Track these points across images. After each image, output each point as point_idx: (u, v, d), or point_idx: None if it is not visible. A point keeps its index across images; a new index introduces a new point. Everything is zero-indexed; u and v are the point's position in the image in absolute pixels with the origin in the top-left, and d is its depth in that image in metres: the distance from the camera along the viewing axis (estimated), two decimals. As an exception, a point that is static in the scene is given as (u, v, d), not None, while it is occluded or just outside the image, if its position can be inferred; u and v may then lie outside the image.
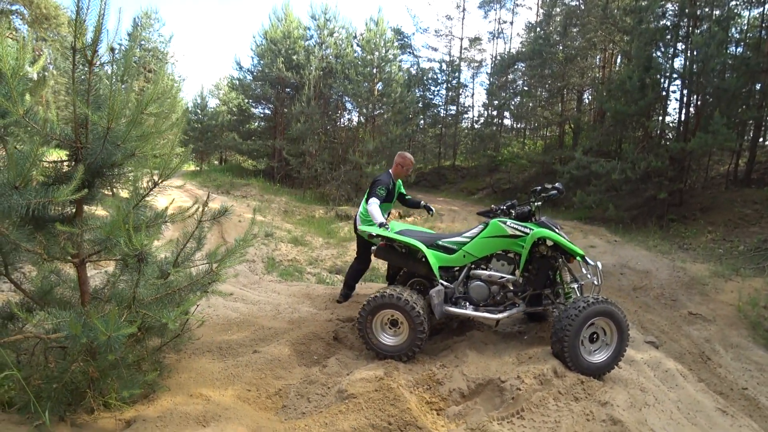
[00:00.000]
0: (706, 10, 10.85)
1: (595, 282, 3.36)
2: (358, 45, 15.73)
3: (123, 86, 2.72)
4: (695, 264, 8.08)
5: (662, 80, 11.09)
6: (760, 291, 6.58)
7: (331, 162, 15.39)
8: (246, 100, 17.63)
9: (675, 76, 10.96)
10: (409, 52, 22.24)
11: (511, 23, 28.06)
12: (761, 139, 13.45)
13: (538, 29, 17.07)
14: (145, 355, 3.06)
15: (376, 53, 14.79)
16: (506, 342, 3.42)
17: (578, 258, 3.27)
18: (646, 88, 10.69)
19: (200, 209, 3.50)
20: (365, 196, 4.39)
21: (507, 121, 20.82)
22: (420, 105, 20.05)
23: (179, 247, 3.31)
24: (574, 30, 15.18)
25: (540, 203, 3.50)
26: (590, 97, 16.40)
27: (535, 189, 3.62)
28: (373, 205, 4.03)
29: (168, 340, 3.22)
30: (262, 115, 18.52)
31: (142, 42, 22.27)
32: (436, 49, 22.92)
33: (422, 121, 22.52)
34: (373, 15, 15.35)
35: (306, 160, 15.04)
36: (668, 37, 10.86)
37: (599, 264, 3.33)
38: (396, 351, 3.24)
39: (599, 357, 2.93)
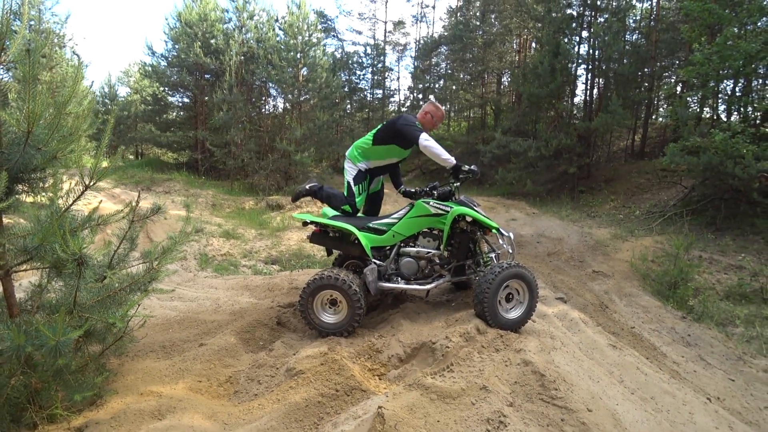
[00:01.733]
0: (606, 1, 12.04)
1: (510, 251, 3.77)
2: (280, 29, 15.31)
3: (39, 86, 2.66)
4: (600, 229, 9.17)
5: (569, 65, 12.18)
6: (648, 248, 7.68)
7: (258, 151, 15.00)
8: (161, 88, 16.44)
9: (580, 61, 12.08)
10: (334, 36, 22.03)
11: (433, 7, 28.61)
12: (652, 117, 15.31)
13: (459, 14, 17.75)
14: (88, 361, 3.02)
15: (300, 37, 14.51)
16: (436, 310, 3.80)
17: (494, 230, 3.66)
18: (555, 72, 11.69)
19: (132, 209, 3.46)
20: (379, 139, 3.87)
21: (433, 104, 21.45)
22: (346, 89, 20.02)
23: (113, 249, 3.28)
24: (492, 16, 16.01)
25: (459, 183, 3.76)
26: (508, 80, 17.48)
27: (451, 172, 3.84)
28: (431, 140, 3.58)
29: (111, 343, 3.19)
30: (180, 104, 17.43)
31: (32, 22, 19.76)
32: (360, 33, 23.05)
33: (349, 106, 22.57)
34: (294, -2, 14.91)
35: (231, 151, 14.53)
36: (573, 25, 11.91)
37: (511, 234, 3.76)
38: (337, 328, 3.47)
39: (515, 314, 3.35)
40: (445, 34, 17.92)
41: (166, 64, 16.23)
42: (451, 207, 3.62)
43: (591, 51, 12.14)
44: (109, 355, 3.43)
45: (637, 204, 10.75)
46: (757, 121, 9.57)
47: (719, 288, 6.60)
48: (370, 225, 3.83)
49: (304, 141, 14.35)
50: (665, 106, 15.30)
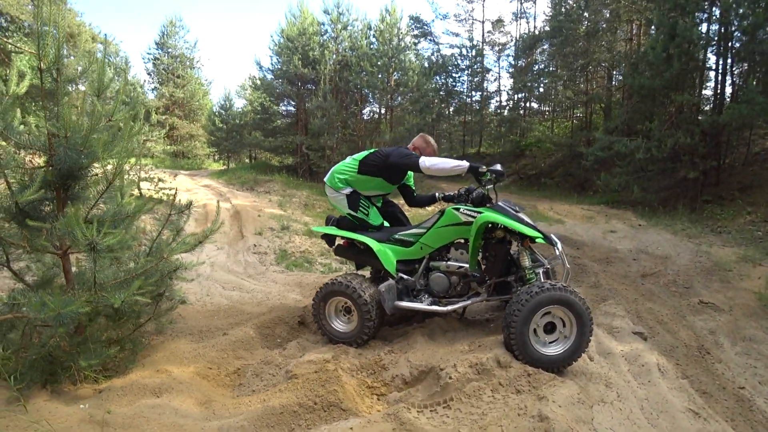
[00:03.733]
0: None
1: (567, 265, 3.10)
2: (373, 36, 15.70)
3: (99, 99, 3.07)
4: (724, 248, 7.51)
5: (692, 48, 10.26)
6: (796, 276, 6.04)
7: (352, 154, 15.51)
8: (268, 98, 18.06)
9: (703, 42, 10.10)
10: (430, 40, 21.90)
11: (535, 1, 26.76)
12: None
13: (561, 5, 16.25)
14: (120, 335, 3.31)
15: (393, 43, 14.69)
16: (468, 329, 3.35)
17: (538, 240, 3.07)
18: (671, 59, 9.96)
19: (171, 203, 3.71)
20: (365, 170, 3.55)
21: (535, 105, 20.10)
22: (442, 93, 19.72)
23: (152, 239, 3.55)
24: (596, 2, 14.32)
25: (490, 186, 3.26)
26: (619, 74, 15.47)
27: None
28: (430, 158, 3.34)
29: (143, 323, 3.47)
30: (285, 112, 18.92)
31: (169, 49, 23.34)
32: (457, 35, 22.43)
33: (450, 109, 22.16)
34: (387, 5, 15.19)
35: (326, 154, 15.25)
36: (694, 0, 10.03)
37: (560, 245, 3.12)
38: (346, 338, 3.29)
39: (554, 349, 2.71)
40: (546, 28, 16.56)
41: (272, 76, 17.74)
42: (480, 213, 3.14)
43: (720, 28, 10.03)
44: (152, 333, 3.74)
45: (784, 218, 8.60)
46: None
47: None
48: (396, 236, 3.50)
49: (394, 144, 14.45)
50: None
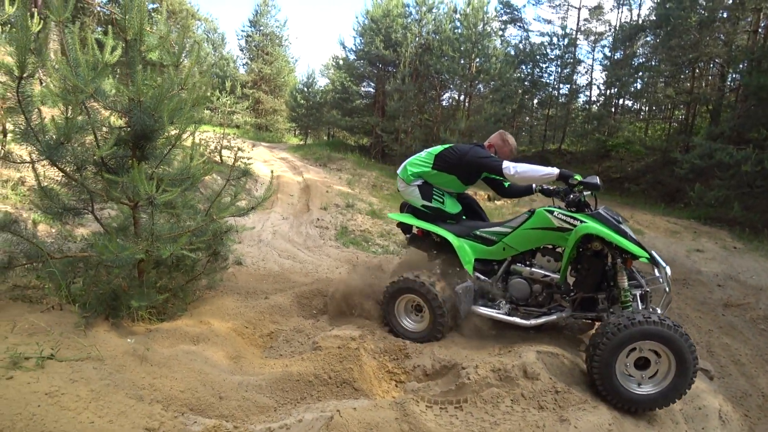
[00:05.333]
0: None
1: (666, 290, 2.78)
2: (458, 20, 15.20)
3: (176, 69, 3.33)
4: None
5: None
6: None
7: (425, 140, 15.36)
8: (349, 79, 18.39)
9: None
10: (519, 26, 20.69)
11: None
12: None
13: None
14: (174, 285, 3.62)
15: (478, 27, 14.13)
16: (505, 331, 3.17)
17: (642, 259, 2.77)
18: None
19: (230, 169, 3.93)
20: (441, 166, 3.38)
21: (628, 102, 18.34)
22: (527, 83, 18.68)
23: (210, 201, 3.81)
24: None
25: (588, 193, 3.00)
26: (733, 71, 13.41)
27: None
28: (516, 164, 3.10)
29: (196, 276, 3.76)
30: (364, 93, 19.16)
31: (261, 27, 24.49)
32: (549, 22, 20.97)
33: (534, 101, 20.98)
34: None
35: (399, 137, 15.25)
36: None
37: (668, 268, 2.79)
38: (416, 337, 3.12)
39: (647, 388, 2.44)
40: (652, 17, 14.82)
41: (354, 57, 17.99)
42: (581, 221, 2.84)
43: None
44: (205, 287, 4.05)
45: None
46: None
47: None
48: (477, 233, 3.29)
49: (468, 133, 14.06)
50: None
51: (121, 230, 3.57)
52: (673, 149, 12.46)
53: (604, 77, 17.69)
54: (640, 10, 19.20)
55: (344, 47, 18.49)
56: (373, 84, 18.71)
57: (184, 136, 3.23)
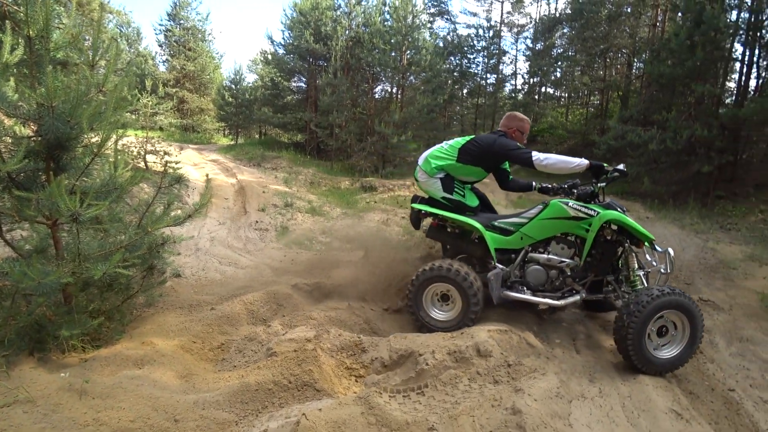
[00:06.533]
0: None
1: (662, 270, 3.24)
2: (387, 13, 15.30)
3: (92, 69, 3.02)
4: (731, 246, 7.32)
5: (717, 37, 9.83)
6: (805, 277, 5.86)
7: (360, 133, 15.36)
8: (279, 74, 17.84)
9: (730, 31, 9.66)
10: (446, 19, 21.28)
11: (560, -18, 25.82)
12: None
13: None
14: (108, 307, 3.35)
15: (407, 20, 14.32)
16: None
17: (647, 243, 3.11)
18: (695, 47, 9.56)
19: (161, 176, 3.68)
20: (466, 158, 3.47)
21: (550, 90, 19.59)
22: (456, 74, 19.29)
23: (141, 212, 3.54)
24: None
25: (604, 184, 3.27)
26: (640, 61, 14.94)
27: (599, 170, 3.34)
28: (546, 155, 3.25)
29: (132, 294, 3.50)
30: (295, 88, 18.70)
31: (181, 21, 23.02)
32: (475, 14, 21.78)
33: (464, 91, 21.72)
34: (404, -20, 14.71)
35: (334, 132, 15.12)
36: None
37: (671, 250, 3.20)
38: (446, 326, 3.19)
39: (667, 352, 2.87)
40: (567, 11, 15.97)
41: (283, 51, 17.48)
42: (595, 211, 3.15)
43: (750, 17, 9.58)
44: (142, 305, 3.78)
45: (799, 217, 8.35)
46: None
47: None
48: (495, 223, 3.43)
49: (402, 124, 14.25)
50: None
51: (38, 252, 3.23)
52: (591, 132, 13.55)
53: (527, 67, 18.75)
54: (557, 3, 20.50)
55: (272, 41, 17.91)
56: (304, 79, 18.31)
57: (108, 143, 2.97)
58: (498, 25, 20.14)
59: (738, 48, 10.77)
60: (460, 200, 3.47)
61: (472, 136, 3.57)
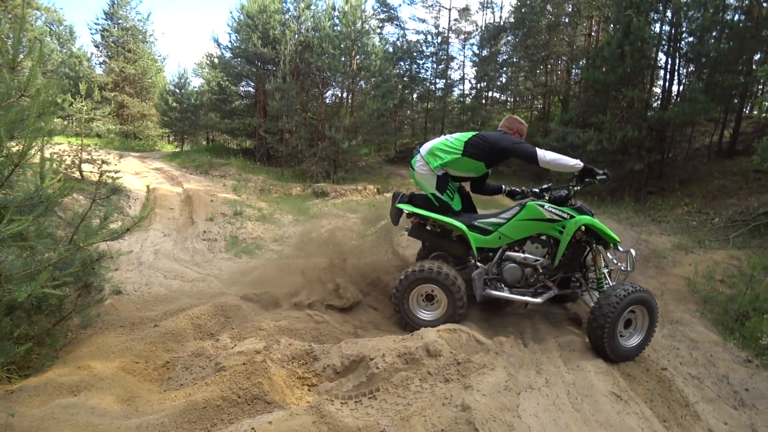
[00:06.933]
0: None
1: (623, 268, 3.55)
2: (336, 18, 15.31)
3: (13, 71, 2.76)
4: (661, 237, 7.91)
5: (644, 46, 10.67)
6: (719, 264, 6.40)
7: (311, 139, 15.22)
8: (226, 78, 17.33)
9: (655, 42, 10.53)
10: (396, 24, 21.60)
11: (503, -8, 27.08)
12: (746, 110, 13.02)
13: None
14: (37, 331, 3.09)
15: (357, 25, 14.39)
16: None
17: (612, 245, 3.36)
18: (625, 56, 10.32)
19: (96, 187, 3.46)
20: (471, 152, 3.52)
21: (496, 94, 20.37)
22: (406, 79, 19.62)
23: (74, 226, 3.30)
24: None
25: (579, 188, 3.46)
26: (577, 68, 15.94)
27: (576, 175, 3.49)
28: (548, 152, 3.39)
29: (64, 316, 3.25)
30: (243, 93, 18.23)
31: (120, 20, 21.81)
32: (423, 21, 22.26)
33: (414, 95, 22.11)
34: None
35: (284, 138, 14.88)
36: (649, 0, 10.40)
37: (632, 251, 3.53)
38: (433, 326, 3.18)
39: (632, 341, 3.19)
40: (511, 20, 16.74)
41: (230, 55, 17.01)
42: (569, 214, 3.37)
43: (671, 30, 10.48)
44: (77, 327, 3.52)
45: (717, 210, 9.17)
46: None
47: None
48: (475, 223, 3.52)
49: (354, 129, 14.27)
50: (763, 92, 12.93)
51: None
52: (535, 134, 14.19)
53: (474, 72, 19.35)
54: (501, 12, 21.44)
55: (219, 44, 17.46)
56: (252, 83, 17.91)
57: (32, 152, 2.75)
58: (446, 31, 20.70)
59: (662, 57, 11.75)
60: (448, 202, 3.56)
61: (476, 132, 3.65)
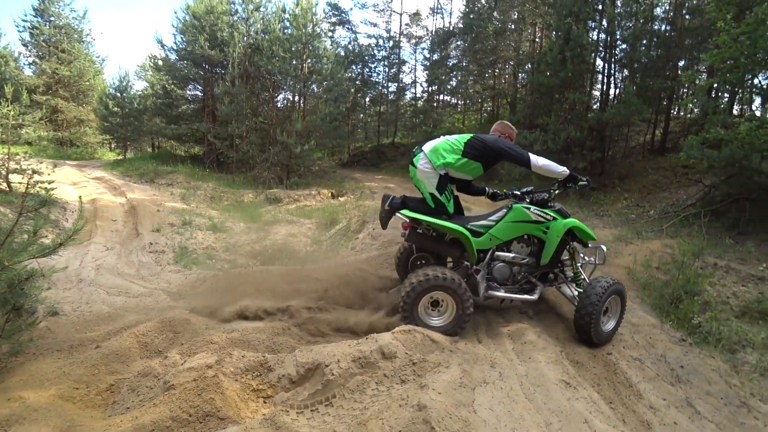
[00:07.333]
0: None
1: (591, 262, 4.02)
2: (287, 20, 15.08)
3: None
4: (604, 230, 8.39)
5: (583, 53, 11.32)
6: (654, 252, 6.85)
7: (262, 144, 14.87)
8: (171, 81, 16.56)
9: (592, 48, 11.21)
10: (347, 28, 21.63)
11: (452, -2, 27.82)
12: (675, 110, 14.14)
13: (473, 3, 17.00)
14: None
15: (307, 28, 14.23)
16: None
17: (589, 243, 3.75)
18: (566, 61, 10.89)
19: (22, 200, 3.21)
20: (471, 154, 3.60)
21: (447, 97, 20.86)
22: (358, 82, 19.66)
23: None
24: (505, 4, 15.25)
25: (559, 191, 3.74)
26: (523, 72, 16.65)
27: (559, 180, 3.75)
28: (539, 158, 3.56)
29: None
30: (190, 97, 17.52)
31: (51, 18, 20.32)
32: (375, 25, 22.49)
33: (366, 99, 22.19)
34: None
35: (234, 143, 14.45)
36: (586, 9, 11.07)
37: (603, 247, 3.93)
38: (444, 331, 3.32)
39: (609, 326, 3.69)
40: (460, 25, 17.23)
41: (176, 57, 16.31)
42: (551, 215, 3.66)
43: (607, 37, 11.21)
44: (5, 354, 3.22)
45: (652, 203, 9.86)
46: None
47: (734, 303, 5.66)
48: (468, 226, 3.60)
49: (306, 134, 14.09)
50: (687, 95, 14.11)
51: None
52: (485, 136, 14.65)
53: (426, 76, 19.73)
54: (451, 18, 21.95)
55: (163, 46, 16.59)
56: (200, 87, 17.25)
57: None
58: (397, 35, 20.97)
59: (600, 62, 12.53)
60: (445, 204, 3.62)
61: (474, 135, 3.75)
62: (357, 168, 18.48)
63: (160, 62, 16.82)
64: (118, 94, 17.66)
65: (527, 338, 3.57)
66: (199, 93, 17.50)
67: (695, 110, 11.64)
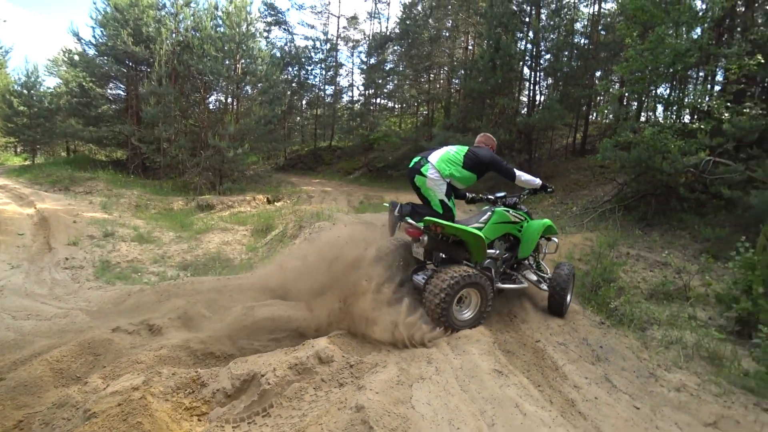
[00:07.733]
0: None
1: (545, 252, 4.72)
2: (220, 18, 14.45)
3: None
4: (531, 228, 8.93)
5: (512, 61, 12.02)
6: (576, 245, 7.41)
7: (193, 148, 14.12)
8: (89, 79, 15.17)
9: (520, 57, 11.96)
10: (284, 29, 21.21)
11: (388, 3, 28.34)
12: (593, 116, 15.45)
13: (410, 10, 17.40)
14: None
15: (241, 27, 13.74)
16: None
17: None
18: (496, 68, 11.49)
19: None
20: (469, 166, 3.91)
21: (384, 101, 21.15)
22: (294, 84, 19.35)
23: None
24: (440, 12, 15.80)
25: (526, 196, 4.35)
26: (456, 77, 17.33)
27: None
28: (523, 173, 4.09)
29: None
30: (112, 96, 16.20)
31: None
32: (312, 27, 22.25)
33: (303, 101, 21.88)
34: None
35: (161, 147, 13.60)
36: (515, 21, 11.79)
37: (555, 239, 4.64)
38: (468, 324, 3.64)
39: (567, 299, 4.45)
40: (396, 30, 17.57)
41: (94, 52, 15.02)
42: (524, 217, 4.22)
43: (533, 48, 12.04)
44: None
45: (574, 200, 10.66)
46: (686, 118, 9.64)
47: (644, 287, 6.31)
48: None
49: (240, 137, 13.59)
50: (603, 102, 15.51)
51: None
52: (421, 139, 15.06)
53: (363, 79, 19.85)
54: (388, 23, 22.22)
55: (80, 39, 15.04)
56: (123, 86, 16.04)
57: None
58: (335, 38, 20.90)
59: (526, 71, 13.38)
60: (451, 208, 3.91)
61: (468, 147, 4.11)
62: (293, 172, 18.17)
63: (76, 57, 15.37)
64: (25, 91, 15.92)
65: (461, 332, 3.69)
66: (121, 92, 16.28)
67: (609, 116, 12.76)
